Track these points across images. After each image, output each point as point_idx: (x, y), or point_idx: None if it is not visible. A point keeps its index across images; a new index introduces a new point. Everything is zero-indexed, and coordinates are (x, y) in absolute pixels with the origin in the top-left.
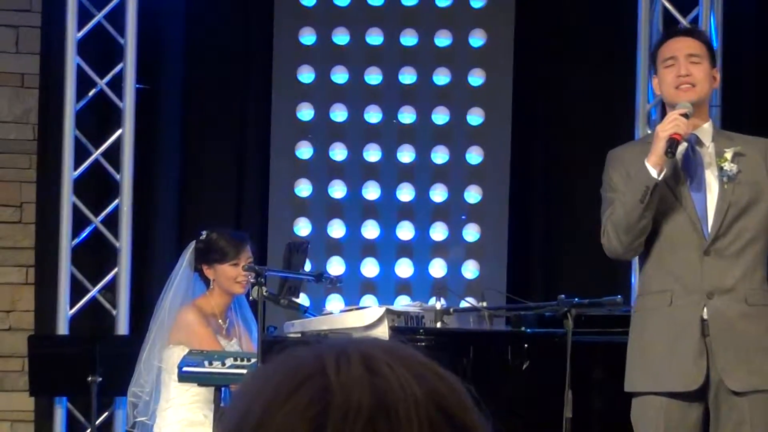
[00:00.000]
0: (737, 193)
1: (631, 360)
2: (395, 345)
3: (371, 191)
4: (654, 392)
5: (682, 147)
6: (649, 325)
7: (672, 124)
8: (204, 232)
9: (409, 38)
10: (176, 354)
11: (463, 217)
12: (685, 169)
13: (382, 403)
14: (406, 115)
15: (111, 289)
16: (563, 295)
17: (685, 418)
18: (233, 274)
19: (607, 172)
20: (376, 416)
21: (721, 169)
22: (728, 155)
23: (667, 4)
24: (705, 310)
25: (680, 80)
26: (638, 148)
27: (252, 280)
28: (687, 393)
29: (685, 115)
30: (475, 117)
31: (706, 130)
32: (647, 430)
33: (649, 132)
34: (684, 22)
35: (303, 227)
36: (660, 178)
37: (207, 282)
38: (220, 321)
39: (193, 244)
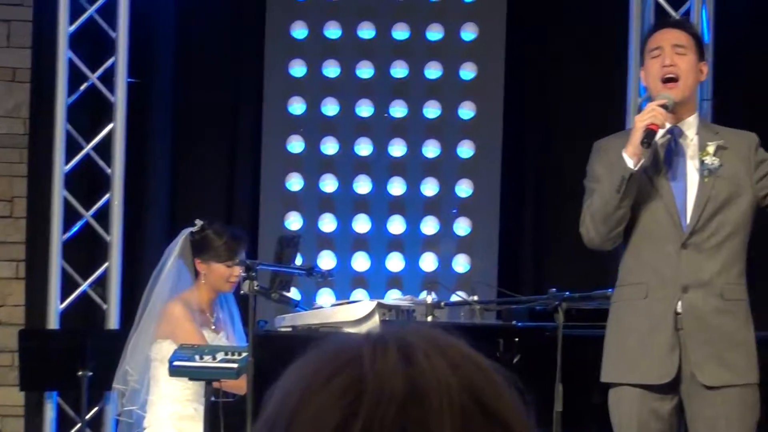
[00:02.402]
0: (717, 187)
1: (607, 350)
2: (437, 334)
3: (362, 185)
4: (628, 383)
5: (664, 139)
6: (625, 316)
7: (649, 115)
8: (199, 222)
9: (400, 32)
10: (165, 348)
11: (454, 210)
12: (666, 161)
13: (416, 393)
14: (398, 109)
15: (102, 283)
16: (554, 289)
17: (658, 409)
18: (226, 274)
19: (591, 163)
20: (409, 404)
21: (702, 162)
22: (710, 149)
23: None
24: (679, 303)
25: (665, 70)
26: (623, 140)
27: (243, 275)
28: (660, 385)
29: (665, 106)
30: (466, 111)
31: (690, 122)
32: (622, 420)
33: None
34: (675, 16)
35: (294, 221)
36: (636, 169)
37: (195, 273)
38: (207, 314)
39: (185, 234)
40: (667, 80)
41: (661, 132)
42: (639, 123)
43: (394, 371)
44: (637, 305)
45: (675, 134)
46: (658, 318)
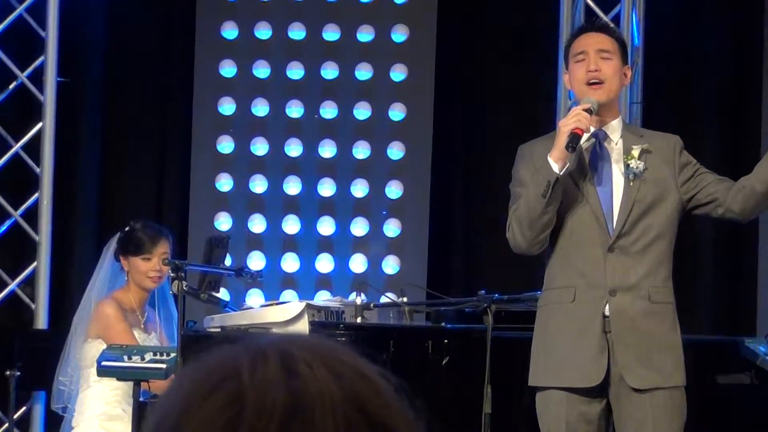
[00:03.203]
0: (642, 191)
1: (534, 354)
2: (318, 342)
3: (292, 186)
4: (556, 387)
5: (588, 143)
6: (552, 320)
7: (574, 119)
8: (132, 223)
9: (331, 33)
10: (94, 348)
11: (384, 212)
12: (591, 165)
13: (298, 405)
14: (328, 110)
15: (30, 283)
16: (483, 291)
17: (586, 412)
18: (144, 269)
19: (516, 167)
20: (291, 418)
21: (627, 166)
22: (635, 152)
23: (589, 1)
24: (607, 306)
25: (589, 75)
26: (547, 143)
27: (172, 275)
28: (588, 388)
29: (589, 111)
30: (396, 113)
31: (614, 126)
32: (550, 424)
33: None
34: (606, 19)
35: (224, 222)
36: (561, 173)
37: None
38: (138, 314)
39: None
40: (592, 83)
41: (585, 136)
42: (563, 127)
43: (275, 383)
44: (565, 309)
45: (600, 138)
46: (585, 321)
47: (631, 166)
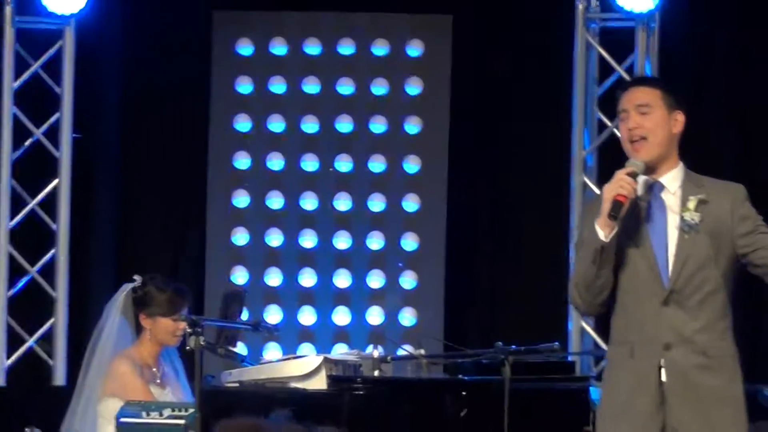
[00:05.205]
0: (698, 244)
1: (598, 411)
2: None
3: (308, 239)
4: None
5: (646, 195)
6: (612, 377)
7: (616, 185)
8: (138, 278)
9: (345, 86)
10: (111, 405)
11: (400, 264)
12: (648, 218)
13: None
14: (343, 164)
15: (48, 339)
16: (500, 342)
17: None
18: (172, 328)
19: (580, 225)
20: None
21: (682, 218)
22: (691, 204)
23: (603, 52)
24: (662, 361)
25: (630, 134)
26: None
27: (189, 330)
28: None
29: (633, 174)
30: (411, 165)
31: (672, 176)
32: None
33: (584, 179)
34: (619, 69)
35: (240, 276)
36: (608, 240)
37: (138, 329)
38: (154, 369)
39: (126, 291)
40: (634, 141)
41: (640, 191)
42: (606, 194)
43: None
44: (624, 365)
45: (656, 190)
46: (642, 376)
47: (685, 218)
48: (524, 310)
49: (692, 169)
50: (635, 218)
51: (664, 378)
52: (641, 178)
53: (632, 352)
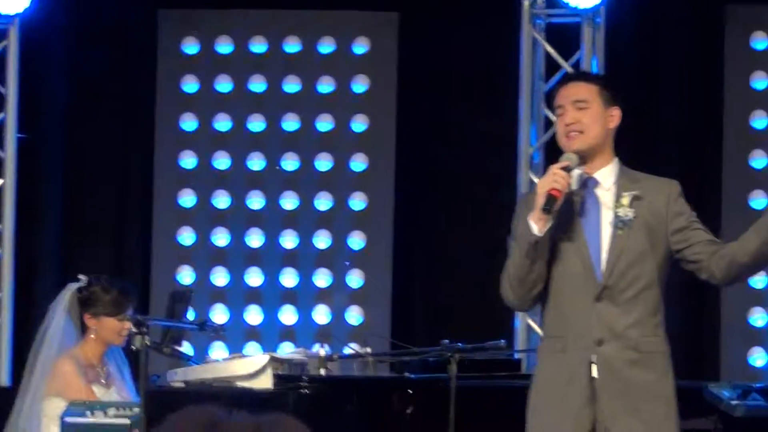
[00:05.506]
0: (632, 240)
1: (529, 404)
2: None
3: (254, 238)
4: None
5: (580, 190)
6: (544, 370)
7: (550, 180)
8: (83, 278)
9: (292, 84)
10: (55, 405)
11: (347, 263)
12: (581, 214)
13: None
14: (289, 162)
15: None
16: (446, 340)
17: None
18: (118, 328)
19: (514, 219)
20: None
21: (616, 214)
22: (625, 200)
23: (549, 48)
24: (594, 356)
25: (567, 129)
26: None
27: (134, 330)
28: None
29: (567, 168)
30: (358, 163)
31: (606, 172)
32: None
33: (531, 176)
34: (566, 65)
35: (186, 275)
36: (542, 235)
37: (82, 329)
38: (98, 369)
39: (71, 290)
40: (569, 135)
41: (574, 185)
42: (540, 188)
43: None
44: (555, 359)
45: (590, 185)
46: (573, 371)
47: (619, 214)
48: (471, 308)
49: (639, 165)
50: (569, 213)
51: (595, 373)
52: (576, 173)
53: (564, 347)
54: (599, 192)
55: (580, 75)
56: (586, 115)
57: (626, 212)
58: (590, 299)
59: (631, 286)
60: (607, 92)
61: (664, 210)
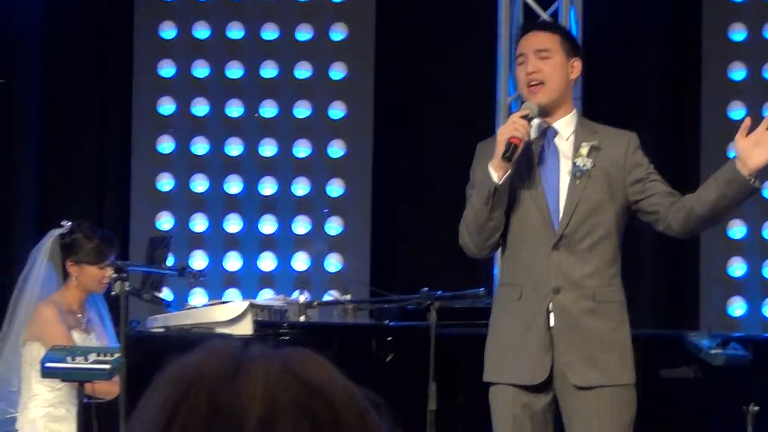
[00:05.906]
0: (589, 189)
1: (487, 350)
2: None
3: (233, 185)
4: (504, 383)
5: (538, 140)
6: (501, 317)
7: (510, 128)
8: (67, 224)
9: (269, 32)
10: (35, 350)
11: (326, 210)
12: (540, 163)
13: (237, 372)
14: (268, 109)
15: None
16: (426, 288)
17: (533, 405)
18: (99, 276)
19: (472, 166)
20: (224, 382)
21: (574, 164)
22: (584, 150)
23: None
24: (551, 305)
25: (528, 78)
26: None
27: (114, 276)
28: (534, 385)
29: (527, 117)
30: (336, 111)
31: (565, 122)
32: (501, 417)
33: None
34: (544, 16)
35: (165, 221)
36: (501, 182)
37: (64, 275)
38: (79, 315)
39: (53, 237)
40: (531, 86)
41: (533, 135)
42: (500, 136)
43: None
44: (512, 306)
45: (549, 135)
46: (530, 319)
47: (577, 164)
48: (450, 255)
49: (618, 114)
50: (528, 162)
51: (552, 322)
52: (535, 122)
53: (521, 295)
54: (558, 141)
55: (542, 24)
56: (548, 65)
57: (584, 162)
58: (547, 247)
59: (589, 236)
60: (569, 43)
61: (622, 160)
